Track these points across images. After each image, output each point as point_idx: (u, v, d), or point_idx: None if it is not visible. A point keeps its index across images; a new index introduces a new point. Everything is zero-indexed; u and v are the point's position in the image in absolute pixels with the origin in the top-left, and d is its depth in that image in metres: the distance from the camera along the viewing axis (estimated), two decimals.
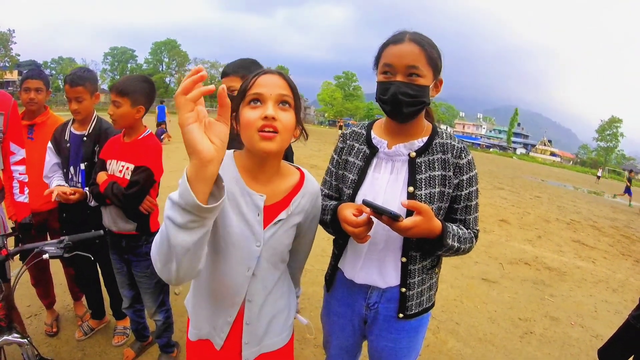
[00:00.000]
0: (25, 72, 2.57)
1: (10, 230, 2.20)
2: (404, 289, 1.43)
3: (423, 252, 1.40)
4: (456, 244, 1.32)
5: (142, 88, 2.13)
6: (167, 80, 68.73)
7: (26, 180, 2.22)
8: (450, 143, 1.40)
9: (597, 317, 4.18)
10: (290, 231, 1.27)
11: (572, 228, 8.84)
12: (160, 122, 14.85)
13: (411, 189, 1.36)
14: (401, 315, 1.46)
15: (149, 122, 2.18)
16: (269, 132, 1.08)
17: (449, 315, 3.73)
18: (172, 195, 0.84)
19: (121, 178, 2.10)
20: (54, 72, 65.73)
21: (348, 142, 1.55)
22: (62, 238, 1.62)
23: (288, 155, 1.41)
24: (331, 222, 1.40)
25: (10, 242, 1.94)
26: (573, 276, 5.46)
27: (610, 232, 9.10)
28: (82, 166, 2.36)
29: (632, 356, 2.07)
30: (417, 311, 1.47)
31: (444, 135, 1.42)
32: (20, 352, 1.64)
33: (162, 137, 13.32)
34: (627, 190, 18.36)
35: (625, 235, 9.01)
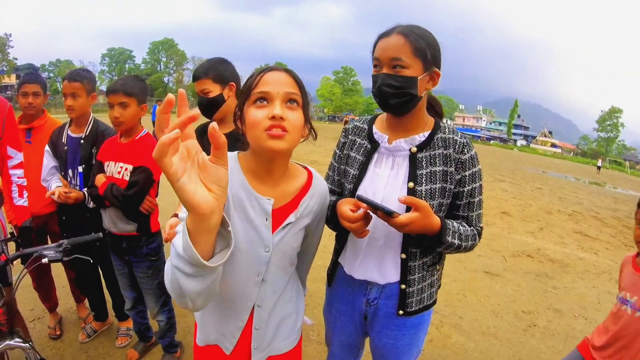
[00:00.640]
0: (22, 76, 2.56)
1: (9, 236, 2.20)
2: (403, 286, 1.42)
3: (423, 248, 1.39)
4: (457, 241, 1.31)
5: (142, 87, 2.15)
6: (165, 79, 68.65)
7: (25, 184, 2.21)
8: (453, 138, 1.37)
9: (601, 309, 4.17)
10: (299, 234, 1.23)
11: (574, 219, 8.83)
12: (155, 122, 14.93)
13: (411, 184, 1.34)
14: (401, 312, 1.44)
15: (144, 121, 2.18)
16: (277, 131, 1.03)
17: (452, 310, 3.73)
18: (175, 243, 0.78)
19: (120, 179, 2.09)
20: (51, 75, 65.66)
21: (350, 137, 1.54)
22: (61, 242, 1.62)
23: None
24: (330, 217, 1.38)
25: (12, 247, 1.94)
26: (576, 268, 5.45)
27: (612, 223, 9.09)
28: (80, 169, 2.36)
29: None
30: (417, 308, 1.46)
31: (447, 130, 1.40)
32: (25, 357, 1.64)
33: None
34: None
35: (627, 225, 8.98)
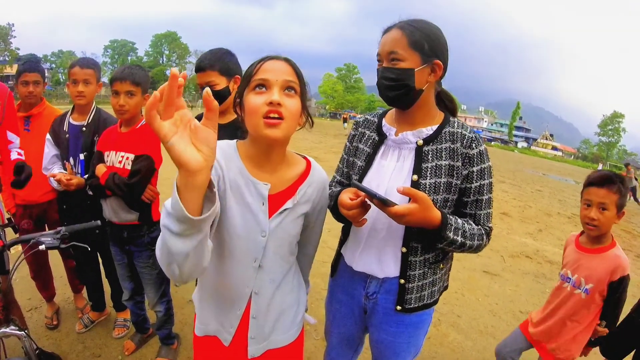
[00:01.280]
0: (21, 65, 2.54)
1: (6, 222, 2.19)
2: (402, 281, 1.40)
3: (424, 243, 1.37)
4: (459, 238, 1.28)
5: (148, 77, 2.16)
6: (167, 72, 68.52)
7: (22, 158, 2.19)
8: (461, 132, 1.35)
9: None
10: (297, 221, 1.24)
11: (573, 222, 8.83)
12: None
13: (415, 177, 1.33)
14: (399, 307, 1.42)
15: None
16: (274, 118, 1.06)
17: (450, 308, 3.72)
18: (166, 203, 0.82)
19: (121, 169, 2.08)
20: (54, 65, 65.53)
21: (360, 129, 1.55)
22: (58, 229, 1.60)
23: None
24: (333, 207, 1.39)
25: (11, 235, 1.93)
26: None
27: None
28: (82, 156, 2.35)
29: (634, 350, 2.06)
30: (416, 305, 1.43)
31: (456, 124, 1.38)
32: (21, 346, 1.63)
33: None
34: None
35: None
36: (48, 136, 2.41)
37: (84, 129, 2.36)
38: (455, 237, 1.27)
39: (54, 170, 2.36)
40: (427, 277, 1.42)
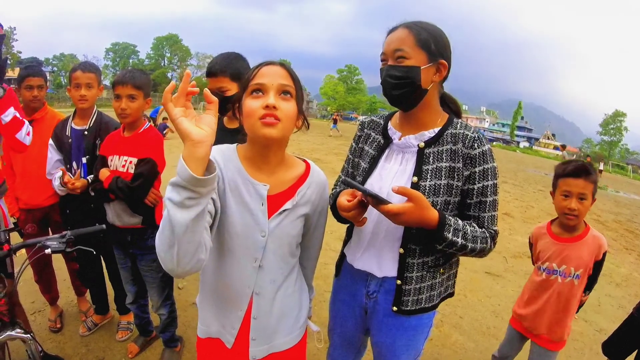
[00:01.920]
0: (24, 69, 2.55)
1: (12, 226, 2.20)
2: (399, 281, 1.40)
3: (423, 245, 1.36)
4: (460, 240, 1.26)
5: (149, 81, 2.19)
6: (169, 75, 68.66)
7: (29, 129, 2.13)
8: (463, 133, 1.34)
9: (601, 312, 4.16)
10: (297, 222, 1.26)
11: None
12: (152, 118, 15.10)
13: (415, 179, 1.33)
14: (395, 308, 1.42)
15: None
16: (270, 119, 1.10)
17: (452, 309, 3.72)
18: (171, 180, 0.89)
19: (125, 172, 2.10)
20: (55, 68, 65.61)
21: (366, 130, 1.56)
22: (64, 233, 1.62)
23: None
24: (332, 207, 1.40)
25: (17, 239, 1.94)
26: None
27: (614, 227, 9.07)
28: (84, 160, 2.37)
29: (636, 350, 2.07)
30: (413, 308, 1.42)
31: (459, 125, 1.37)
32: (25, 349, 1.64)
33: (164, 131, 13.40)
34: None
35: (628, 229, 8.96)
36: (50, 141, 2.43)
37: (86, 132, 2.38)
38: (454, 239, 1.25)
39: (58, 175, 2.37)
40: (425, 281, 1.41)
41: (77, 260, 2.72)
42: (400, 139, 1.41)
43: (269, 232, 1.20)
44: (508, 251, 5.80)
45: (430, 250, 1.37)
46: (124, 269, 2.38)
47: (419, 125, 1.39)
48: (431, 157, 1.34)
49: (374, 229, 1.41)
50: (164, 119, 15.19)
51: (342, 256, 1.61)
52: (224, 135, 1.55)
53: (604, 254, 2.00)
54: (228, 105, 1.99)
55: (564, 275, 2.03)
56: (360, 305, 1.54)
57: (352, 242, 1.54)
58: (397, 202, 1.18)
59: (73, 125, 2.42)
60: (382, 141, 1.47)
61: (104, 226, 1.75)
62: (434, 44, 1.30)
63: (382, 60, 1.37)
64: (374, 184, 1.41)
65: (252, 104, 1.12)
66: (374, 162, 1.45)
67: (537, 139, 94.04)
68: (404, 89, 1.31)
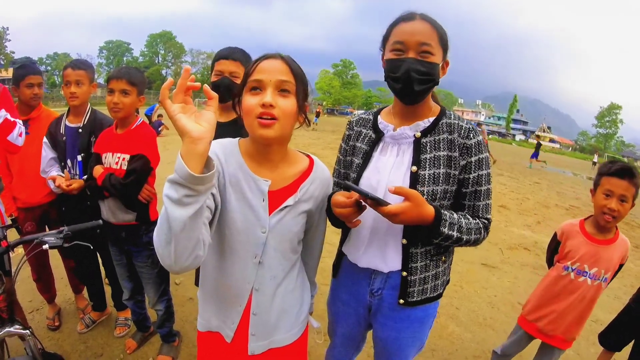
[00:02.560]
0: (20, 67, 2.53)
1: (10, 222, 2.20)
2: (404, 273, 1.40)
3: (420, 239, 1.36)
4: (455, 233, 1.27)
5: (144, 79, 2.19)
6: (163, 72, 68.34)
7: (22, 130, 2.13)
8: (458, 123, 1.36)
9: (597, 303, 4.18)
10: (298, 218, 1.24)
11: (572, 214, 8.86)
12: (147, 116, 15.09)
13: (414, 168, 1.33)
14: (402, 301, 1.42)
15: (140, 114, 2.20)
16: (267, 119, 1.08)
17: (449, 300, 3.75)
18: (168, 177, 0.88)
19: (118, 169, 2.10)
20: (49, 68, 65.18)
21: (355, 128, 1.55)
22: (61, 228, 1.62)
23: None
24: (327, 208, 1.37)
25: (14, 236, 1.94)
26: None
27: None
28: (79, 157, 2.36)
29: (633, 340, 2.08)
30: (419, 299, 1.43)
31: (452, 116, 1.39)
32: (23, 348, 1.64)
33: (159, 129, 13.37)
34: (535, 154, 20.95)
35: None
36: (45, 139, 2.42)
37: (80, 130, 2.38)
38: (450, 232, 1.26)
39: (52, 173, 2.37)
40: (429, 270, 1.42)
41: (73, 257, 2.72)
42: (395, 130, 1.41)
43: (270, 228, 1.19)
44: (504, 243, 5.84)
45: (426, 242, 1.38)
46: (120, 266, 2.39)
47: (414, 117, 1.40)
48: (428, 146, 1.35)
49: (374, 224, 1.40)
50: (159, 116, 15.17)
51: (340, 256, 1.59)
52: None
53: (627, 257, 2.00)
54: (231, 93, 1.99)
55: (594, 278, 2.00)
56: (364, 304, 1.53)
57: (352, 239, 1.52)
58: (394, 202, 1.18)
59: (67, 123, 2.41)
60: (373, 136, 1.47)
61: (100, 221, 1.76)
62: (447, 42, 1.32)
63: (395, 50, 1.32)
64: (370, 178, 1.40)
65: (249, 102, 1.10)
66: (367, 157, 1.44)
67: (532, 132, 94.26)
68: (426, 84, 1.30)
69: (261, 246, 1.20)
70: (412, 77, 1.28)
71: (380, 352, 1.60)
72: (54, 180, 2.18)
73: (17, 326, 1.60)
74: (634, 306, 2.08)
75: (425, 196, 1.30)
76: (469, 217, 1.36)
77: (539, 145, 21.73)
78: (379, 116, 1.50)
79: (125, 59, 72.44)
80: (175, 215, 0.87)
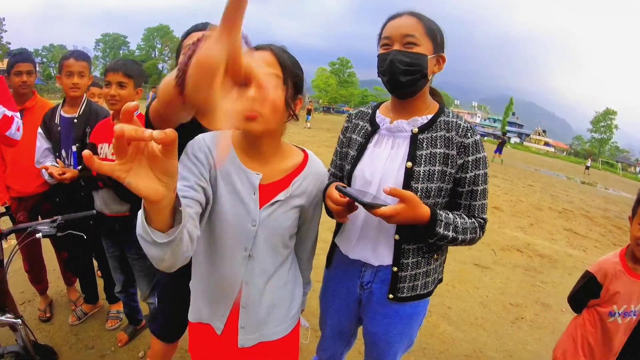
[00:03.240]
0: (13, 56, 2.53)
1: (4, 210, 2.19)
2: (395, 268, 1.40)
3: (415, 238, 1.37)
4: (450, 234, 1.28)
5: (141, 71, 2.18)
6: (159, 66, 68.00)
7: (20, 124, 2.12)
8: (456, 122, 1.36)
9: None
10: (290, 213, 1.23)
11: (565, 217, 8.90)
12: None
13: (409, 164, 1.33)
14: (391, 296, 1.42)
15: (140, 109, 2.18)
16: (250, 112, 1.05)
17: (440, 299, 3.76)
18: (140, 212, 0.78)
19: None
20: (45, 59, 64.73)
21: (353, 120, 1.56)
22: (55, 217, 1.62)
23: None
24: (324, 198, 1.38)
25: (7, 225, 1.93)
26: (564, 264, 5.52)
27: (602, 222, 9.17)
28: (74, 148, 2.35)
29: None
30: (409, 295, 1.43)
31: (450, 114, 1.39)
32: (14, 339, 1.63)
33: None
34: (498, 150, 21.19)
35: (616, 225, 9.08)
36: (39, 130, 2.40)
37: (76, 120, 2.36)
38: (446, 233, 1.27)
39: (47, 163, 2.35)
40: (420, 267, 1.42)
41: (66, 249, 2.71)
42: (391, 123, 1.41)
43: (260, 222, 1.18)
44: (497, 244, 5.87)
45: (421, 242, 1.38)
46: (112, 258, 2.38)
47: (411, 113, 1.39)
48: (425, 143, 1.34)
49: (366, 217, 1.40)
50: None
51: (333, 247, 1.60)
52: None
53: None
54: None
55: (636, 315, 1.83)
56: (354, 296, 1.54)
57: (345, 231, 1.52)
58: (389, 203, 1.18)
59: (62, 113, 2.40)
60: (369, 128, 1.47)
61: (94, 211, 1.76)
62: (438, 36, 1.32)
63: (383, 45, 1.35)
64: (364, 170, 1.40)
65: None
66: (362, 149, 1.44)
67: (527, 135, 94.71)
68: (412, 75, 1.29)
69: (251, 239, 1.19)
70: (397, 67, 1.29)
71: (370, 348, 1.61)
72: (46, 169, 2.17)
73: (8, 315, 1.60)
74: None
75: (419, 193, 1.31)
76: (464, 216, 1.36)
77: (503, 142, 22.67)
78: (377, 110, 1.51)
79: (121, 52, 72.06)
80: (152, 254, 0.81)
